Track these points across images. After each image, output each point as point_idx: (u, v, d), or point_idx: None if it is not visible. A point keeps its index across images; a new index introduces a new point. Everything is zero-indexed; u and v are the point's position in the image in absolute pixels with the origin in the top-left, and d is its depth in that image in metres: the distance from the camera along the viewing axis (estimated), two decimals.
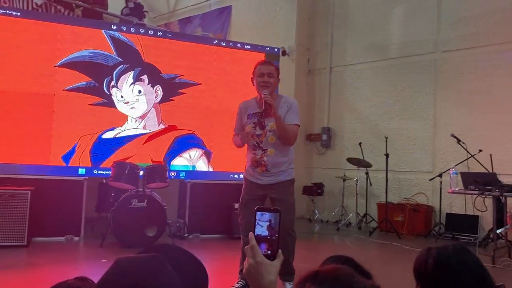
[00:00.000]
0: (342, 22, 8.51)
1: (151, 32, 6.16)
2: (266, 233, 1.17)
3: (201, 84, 6.27)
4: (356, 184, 7.52)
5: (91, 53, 5.74)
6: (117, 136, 5.85)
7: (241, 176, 6.38)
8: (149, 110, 6.04)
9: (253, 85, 3.55)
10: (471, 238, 6.16)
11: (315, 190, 7.97)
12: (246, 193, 3.58)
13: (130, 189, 5.26)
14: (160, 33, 6.22)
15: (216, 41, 6.59)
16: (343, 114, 8.37)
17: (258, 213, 1.19)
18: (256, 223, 1.18)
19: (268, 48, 6.75)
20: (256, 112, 3.50)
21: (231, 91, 6.44)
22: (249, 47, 6.61)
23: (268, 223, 1.18)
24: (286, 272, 3.49)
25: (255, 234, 1.17)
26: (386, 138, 7.03)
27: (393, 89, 7.70)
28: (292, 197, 3.54)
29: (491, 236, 5.63)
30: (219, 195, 6.01)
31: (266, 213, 1.19)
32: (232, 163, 6.40)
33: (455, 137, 6.23)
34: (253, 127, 3.48)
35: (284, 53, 8.31)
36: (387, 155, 6.90)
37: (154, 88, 6.06)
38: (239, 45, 6.60)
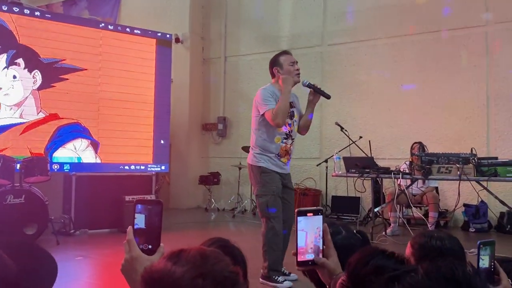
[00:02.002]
0: (235, 12, 8.58)
1: (27, 11, 5.59)
2: (144, 226, 1.11)
3: (86, 69, 5.88)
4: None
5: None
6: None
7: (132, 167, 6.22)
8: (26, 97, 5.50)
9: (275, 75, 3.61)
10: (353, 217, 6.69)
11: (211, 179, 7.99)
12: (276, 186, 3.50)
13: (4, 184, 4.76)
14: (37, 13, 5.68)
15: (103, 24, 6.22)
16: (239, 104, 8.48)
17: (138, 206, 1.13)
18: (135, 216, 1.12)
19: (159, 34, 6.56)
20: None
21: (120, 77, 6.14)
22: (139, 32, 6.36)
23: (146, 216, 1.12)
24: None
25: (134, 228, 1.11)
26: None
27: None
28: None
29: (370, 215, 6.17)
30: (108, 188, 5.73)
31: (146, 205, 1.12)
32: (122, 154, 6.13)
33: (339, 125, 6.67)
34: (289, 117, 3.59)
35: (177, 40, 8.14)
36: None
37: (32, 73, 5.53)
38: (128, 29, 6.31)
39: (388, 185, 6.18)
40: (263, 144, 3.56)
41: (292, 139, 3.65)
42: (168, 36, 6.69)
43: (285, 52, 3.68)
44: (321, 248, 1.20)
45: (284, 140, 3.59)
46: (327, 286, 1.23)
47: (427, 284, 0.81)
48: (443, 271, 0.81)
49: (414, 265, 1.05)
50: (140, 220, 1.12)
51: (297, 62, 3.63)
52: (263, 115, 3.51)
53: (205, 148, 8.73)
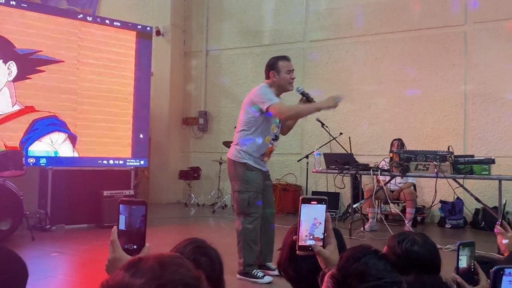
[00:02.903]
0: (217, 5, 8.51)
1: (1, 0, 5.42)
2: (129, 226, 1.11)
3: (63, 61, 5.74)
4: None
5: None
6: None
7: (111, 162, 6.12)
8: (1, 89, 5.35)
9: (270, 77, 3.64)
10: (333, 213, 6.74)
11: (191, 174, 7.94)
12: (258, 183, 3.58)
13: None
14: (13, 2, 5.51)
15: (82, 15, 6.08)
16: (220, 98, 8.43)
17: (122, 206, 1.11)
18: (119, 216, 1.11)
19: (140, 27, 6.46)
20: None
21: (98, 70, 6.03)
22: (118, 24, 6.24)
23: (130, 216, 1.11)
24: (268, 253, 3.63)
25: (118, 228, 1.10)
26: None
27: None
28: None
29: (349, 210, 6.23)
30: (86, 182, 5.64)
31: (130, 205, 1.11)
32: (100, 148, 6.04)
33: (320, 121, 6.70)
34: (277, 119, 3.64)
35: (158, 33, 8.04)
36: None
37: (7, 64, 5.38)
38: (107, 21, 6.18)
39: (367, 181, 6.24)
40: (251, 143, 3.57)
41: (277, 140, 3.76)
42: (148, 28, 6.59)
43: (284, 58, 3.69)
44: (321, 236, 1.23)
45: (272, 141, 3.67)
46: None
47: None
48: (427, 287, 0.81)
49: (398, 276, 1.05)
50: (124, 220, 1.11)
51: (293, 70, 3.71)
52: (262, 113, 3.52)
53: (185, 143, 8.66)
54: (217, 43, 8.51)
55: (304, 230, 1.23)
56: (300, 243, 1.23)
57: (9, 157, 4.81)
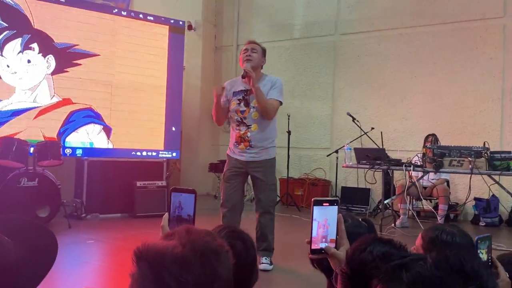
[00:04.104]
0: (248, 0, 8.53)
1: None
2: (179, 213, 1.17)
3: (99, 55, 5.90)
4: None
5: None
6: (3, 109, 5.31)
7: (144, 153, 6.27)
8: (41, 82, 5.55)
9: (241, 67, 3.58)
10: (363, 209, 6.68)
11: (221, 167, 7.97)
12: (228, 169, 3.62)
13: (18, 167, 4.84)
14: None
15: (116, 10, 6.22)
16: None
17: (173, 194, 1.18)
18: (171, 203, 1.18)
19: (172, 21, 6.55)
20: (241, 90, 3.56)
21: (132, 64, 6.16)
22: (152, 18, 6.35)
23: (180, 203, 1.18)
24: (265, 248, 3.56)
25: (170, 215, 1.17)
26: (289, 115, 7.27)
27: (296, 69, 7.95)
28: (273, 177, 3.66)
29: (380, 206, 6.15)
30: (120, 173, 5.78)
31: (180, 193, 1.18)
32: (134, 140, 6.18)
33: (350, 115, 6.63)
34: (237, 103, 3.53)
35: (190, 27, 8.12)
36: (289, 132, 7.16)
37: (46, 58, 5.57)
38: (141, 15, 6.30)
39: (399, 177, 6.15)
40: (231, 133, 3.70)
41: (247, 126, 3.52)
42: (181, 23, 6.67)
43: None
44: (334, 237, 1.22)
45: (237, 128, 3.60)
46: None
47: (436, 274, 0.80)
48: (451, 261, 0.81)
49: (422, 253, 1.05)
50: (174, 207, 1.18)
51: (252, 49, 3.53)
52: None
53: (215, 136, 8.75)
54: (248, 38, 8.51)
55: (322, 232, 1.21)
56: (313, 247, 1.21)
57: (47, 148, 5.00)
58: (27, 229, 1.05)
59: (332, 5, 7.61)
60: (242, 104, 3.53)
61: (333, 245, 1.22)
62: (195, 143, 8.40)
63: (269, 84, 3.56)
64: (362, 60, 7.33)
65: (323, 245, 1.20)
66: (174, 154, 6.55)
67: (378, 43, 7.20)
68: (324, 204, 1.20)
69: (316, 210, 1.19)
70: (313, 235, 1.20)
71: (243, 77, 3.50)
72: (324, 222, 1.20)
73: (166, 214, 1.18)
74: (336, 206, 1.22)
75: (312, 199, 1.20)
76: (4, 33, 5.30)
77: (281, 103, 3.57)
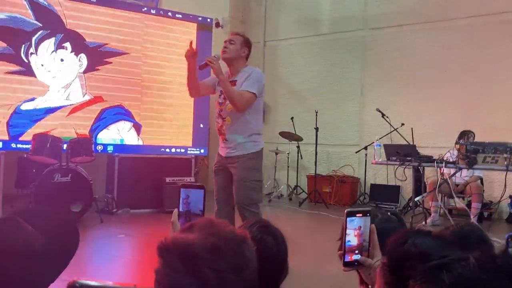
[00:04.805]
0: None
1: None
2: (188, 208, 1.20)
3: (128, 53, 6.00)
4: (288, 158, 7.69)
5: (6, 16, 5.26)
6: (37, 107, 5.47)
7: (173, 150, 6.35)
8: (73, 80, 5.70)
9: None
10: (392, 206, 6.57)
11: None
12: (215, 163, 3.54)
13: (52, 163, 4.98)
14: None
15: (145, 8, 6.32)
16: (276, 89, 8.44)
17: (182, 190, 1.21)
18: (180, 200, 1.21)
19: (200, 18, 6.60)
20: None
21: (161, 61, 6.24)
22: (180, 16, 6.41)
23: (189, 199, 1.20)
24: None
25: (179, 211, 1.20)
26: (316, 112, 7.22)
27: (324, 65, 7.88)
28: (250, 173, 3.32)
29: (410, 204, 6.03)
30: (149, 169, 5.88)
31: (189, 189, 1.21)
32: (163, 137, 6.27)
33: (380, 111, 6.52)
34: (219, 95, 3.42)
35: (217, 25, 8.15)
36: (317, 129, 7.11)
37: (78, 57, 5.71)
38: (169, 13, 6.38)
39: (430, 174, 6.01)
40: None
41: (223, 118, 3.38)
42: (209, 20, 6.71)
43: None
44: (367, 249, 1.21)
45: (217, 120, 3.46)
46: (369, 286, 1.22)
47: (480, 276, 0.76)
48: (498, 263, 0.76)
49: (464, 253, 1.01)
50: (184, 203, 1.20)
51: (230, 40, 3.39)
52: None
53: None
54: (275, 34, 8.51)
55: (356, 243, 1.19)
56: (346, 259, 1.19)
57: (80, 144, 5.13)
58: (51, 220, 1.09)
59: (360, 0, 7.49)
60: (221, 96, 3.39)
61: (366, 256, 1.21)
62: None
63: (245, 75, 3.34)
64: (391, 55, 7.19)
65: (356, 257, 1.19)
66: (202, 151, 6.61)
67: (408, 38, 7.04)
68: (357, 215, 1.19)
69: (349, 221, 1.18)
70: (346, 247, 1.18)
71: (200, 68, 3.32)
72: (357, 233, 1.19)
73: (176, 210, 1.19)
74: (369, 217, 1.20)
75: (345, 211, 1.19)
76: (39, 33, 5.46)
77: (255, 95, 3.28)
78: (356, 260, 1.19)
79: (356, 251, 1.19)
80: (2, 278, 0.86)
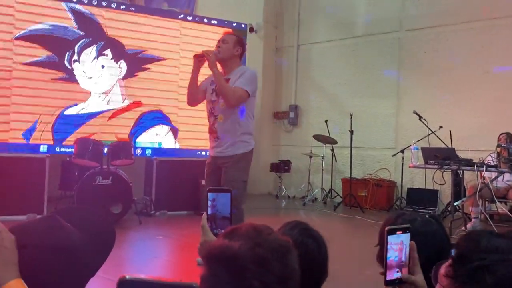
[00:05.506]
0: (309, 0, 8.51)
1: (113, 5, 5.96)
2: (216, 212, 1.24)
3: (166, 59, 6.16)
4: (322, 161, 7.66)
5: (51, 26, 5.52)
6: (80, 112, 5.70)
7: (208, 153, 6.43)
8: (113, 86, 5.90)
9: None
10: (430, 211, 6.42)
11: (282, 167, 8.06)
12: (206, 165, 3.58)
13: (94, 166, 5.17)
14: (123, 7, 6.03)
15: (182, 15, 6.47)
16: (310, 92, 8.43)
17: (210, 194, 1.25)
18: (208, 203, 1.24)
19: (235, 24, 6.69)
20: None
21: None
22: (215, 22, 6.53)
23: (217, 203, 1.24)
24: None
25: (208, 214, 1.23)
26: (351, 115, 7.16)
27: (358, 67, 7.81)
28: (237, 172, 3.33)
29: (449, 209, 5.88)
30: (186, 172, 5.99)
31: (216, 193, 1.25)
32: (199, 140, 6.38)
33: (417, 114, 6.40)
34: (210, 93, 3.43)
35: (251, 30, 8.24)
36: (351, 132, 7.04)
37: (118, 63, 5.91)
38: (205, 20, 6.50)
39: (470, 178, 5.83)
40: None
41: (215, 116, 3.38)
42: (243, 25, 6.80)
43: None
44: (407, 266, 1.21)
45: (208, 119, 3.47)
46: None
47: None
48: None
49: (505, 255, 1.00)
50: (212, 207, 1.24)
51: (223, 40, 3.36)
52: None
53: (276, 136, 8.80)
54: (308, 37, 8.51)
55: (396, 261, 1.19)
56: (388, 277, 1.19)
57: (120, 148, 5.30)
58: (88, 218, 1.15)
59: (396, 1, 7.39)
60: (214, 94, 3.38)
61: (406, 273, 1.21)
62: (256, 143, 8.33)
63: (238, 74, 3.33)
64: (429, 56, 7.05)
65: (397, 275, 1.19)
66: None
67: (446, 38, 6.88)
68: (397, 232, 1.20)
69: (390, 239, 1.18)
70: (388, 264, 1.18)
71: (194, 56, 3.31)
72: (398, 250, 1.20)
73: (205, 214, 1.22)
74: (409, 234, 1.20)
75: (386, 229, 1.18)
76: (81, 41, 5.69)
77: (248, 93, 3.27)
78: (398, 278, 1.20)
79: (397, 269, 1.19)
80: (45, 271, 0.91)
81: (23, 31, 5.36)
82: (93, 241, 1.04)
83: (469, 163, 5.08)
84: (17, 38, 5.34)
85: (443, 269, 1.04)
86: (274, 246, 0.88)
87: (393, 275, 1.19)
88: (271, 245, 0.87)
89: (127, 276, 0.92)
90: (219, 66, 3.35)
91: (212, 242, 0.94)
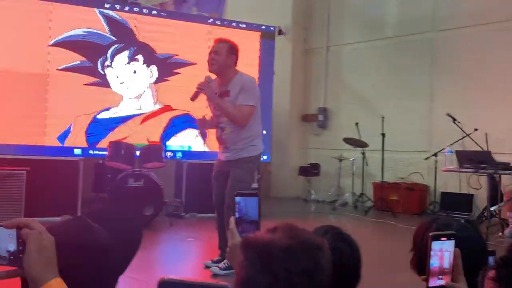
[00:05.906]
0: (339, 0, 8.42)
1: (145, 11, 6.08)
2: (245, 215, 1.23)
3: (196, 64, 6.22)
4: (352, 164, 7.55)
5: (85, 32, 5.68)
6: (113, 116, 5.83)
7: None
8: (145, 90, 6.01)
9: None
10: (465, 216, 6.22)
11: (311, 170, 8.00)
12: (214, 168, 3.72)
13: (126, 169, 5.27)
14: (154, 12, 6.15)
15: (211, 20, 6.53)
16: (340, 94, 8.34)
17: (238, 198, 1.23)
18: (236, 207, 1.23)
19: (264, 27, 6.70)
20: (216, 93, 3.55)
21: None
22: (244, 25, 6.56)
23: (245, 206, 1.24)
24: (219, 247, 3.66)
25: (236, 218, 1.22)
26: (383, 117, 7.03)
27: (389, 69, 7.67)
28: (245, 174, 3.52)
29: (485, 214, 5.69)
30: None
31: (244, 197, 1.24)
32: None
33: (450, 116, 6.23)
34: (214, 107, 3.60)
35: (280, 32, 8.22)
36: (383, 135, 6.92)
37: (149, 68, 6.02)
38: (234, 24, 6.54)
39: (507, 182, 5.63)
40: None
41: (221, 128, 3.52)
42: (272, 28, 6.81)
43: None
44: (450, 273, 1.20)
45: (216, 129, 3.61)
46: None
47: None
48: None
49: None
50: (240, 211, 1.23)
51: (215, 52, 3.47)
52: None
53: (305, 140, 8.75)
54: (338, 39, 8.43)
55: (440, 267, 1.18)
56: (430, 284, 1.18)
57: (151, 151, 5.40)
58: (116, 219, 1.17)
59: (428, 1, 7.23)
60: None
61: (449, 281, 1.19)
62: (285, 146, 8.47)
63: (237, 87, 3.42)
64: (463, 57, 6.85)
65: (440, 282, 1.18)
66: (265, 157, 6.67)
67: (482, 38, 6.67)
68: (441, 238, 1.19)
69: (434, 245, 1.17)
70: (431, 271, 1.18)
71: (192, 99, 3.57)
72: (441, 257, 1.19)
73: (233, 218, 1.22)
74: (453, 241, 1.19)
75: (430, 234, 1.18)
76: (114, 46, 5.82)
77: (253, 106, 3.42)
78: (442, 285, 1.19)
79: (440, 276, 1.18)
80: (74, 270, 0.94)
81: (57, 38, 5.53)
82: (120, 241, 1.06)
83: (506, 166, 4.92)
84: (52, 45, 5.51)
85: (489, 274, 1.02)
86: (306, 241, 0.93)
87: (436, 282, 1.18)
88: (303, 240, 0.93)
89: (166, 278, 0.97)
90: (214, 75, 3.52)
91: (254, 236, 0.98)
